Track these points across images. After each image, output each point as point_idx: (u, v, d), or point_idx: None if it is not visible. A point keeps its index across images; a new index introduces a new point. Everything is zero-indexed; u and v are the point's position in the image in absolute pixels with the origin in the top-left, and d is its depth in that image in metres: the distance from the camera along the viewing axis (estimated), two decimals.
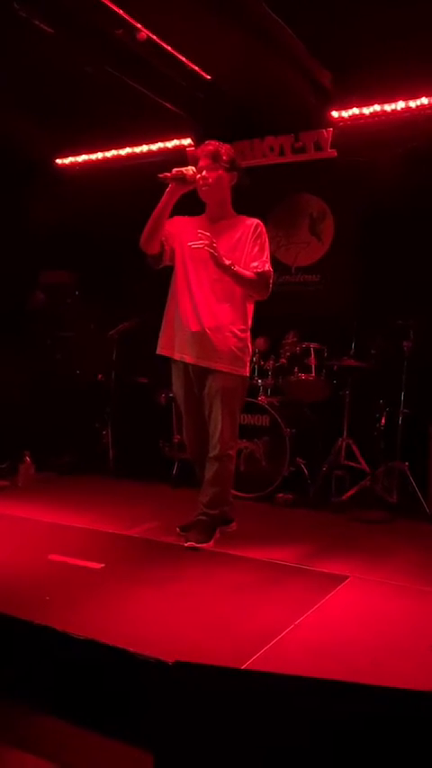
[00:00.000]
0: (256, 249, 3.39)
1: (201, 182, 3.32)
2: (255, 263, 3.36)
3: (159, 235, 3.40)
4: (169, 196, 3.32)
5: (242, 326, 3.44)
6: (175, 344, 3.46)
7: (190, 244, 3.32)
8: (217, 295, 3.39)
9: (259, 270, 3.34)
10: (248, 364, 3.51)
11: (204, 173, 3.34)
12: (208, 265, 3.35)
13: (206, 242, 3.24)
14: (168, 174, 3.27)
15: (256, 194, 5.06)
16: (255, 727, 1.62)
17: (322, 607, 2.62)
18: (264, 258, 3.37)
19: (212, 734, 1.61)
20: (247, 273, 3.34)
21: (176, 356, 3.47)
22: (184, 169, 3.30)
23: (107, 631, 2.26)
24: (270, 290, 3.42)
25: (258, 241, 3.40)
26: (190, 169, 3.31)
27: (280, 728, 1.61)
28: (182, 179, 3.27)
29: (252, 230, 3.41)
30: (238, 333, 3.42)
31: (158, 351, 3.54)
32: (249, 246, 3.39)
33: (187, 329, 3.41)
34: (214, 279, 3.37)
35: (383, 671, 2.11)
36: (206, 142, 3.48)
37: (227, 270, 3.27)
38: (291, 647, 2.25)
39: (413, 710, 1.58)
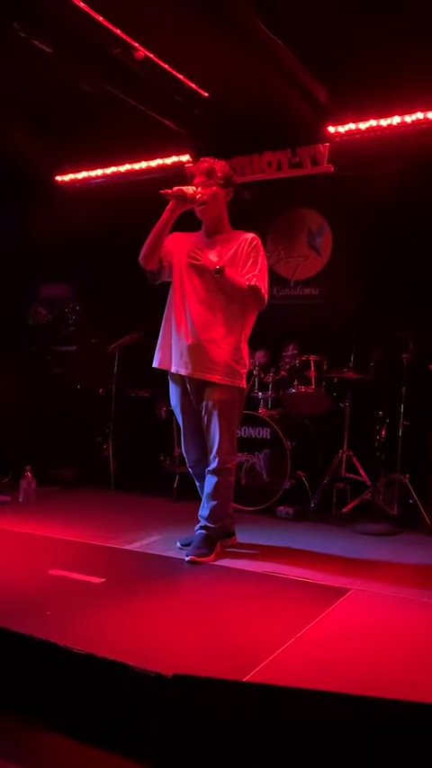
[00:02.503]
0: (250, 262, 3.40)
1: (197, 198, 3.35)
2: (247, 276, 3.37)
3: (159, 251, 3.43)
4: (170, 213, 3.35)
5: (238, 338, 3.45)
6: (171, 358, 3.48)
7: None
8: (213, 307, 3.40)
9: (251, 283, 3.36)
10: (245, 376, 3.52)
11: (200, 189, 3.37)
12: (204, 278, 3.37)
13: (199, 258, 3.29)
14: (169, 191, 3.31)
15: (254, 209, 5.14)
16: (256, 741, 1.61)
17: (324, 620, 2.61)
18: (256, 272, 3.38)
19: (213, 747, 1.60)
20: (240, 280, 3.35)
21: (173, 369, 3.48)
22: (185, 188, 3.33)
23: (107, 645, 2.25)
24: (265, 302, 3.43)
25: (253, 254, 3.42)
26: (191, 188, 3.34)
27: (282, 742, 1.60)
28: (182, 198, 3.31)
29: (247, 244, 3.43)
30: (234, 345, 3.43)
31: (155, 364, 3.55)
32: (244, 259, 3.41)
33: (183, 342, 3.42)
34: (210, 291, 3.39)
35: (386, 684, 2.10)
36: (201, 159, 3.52)
37: (216, 272, 3.29)
38: (292, 661, 2.24)
39: (416, 722, 1.57)
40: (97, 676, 1.87)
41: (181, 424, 3.63)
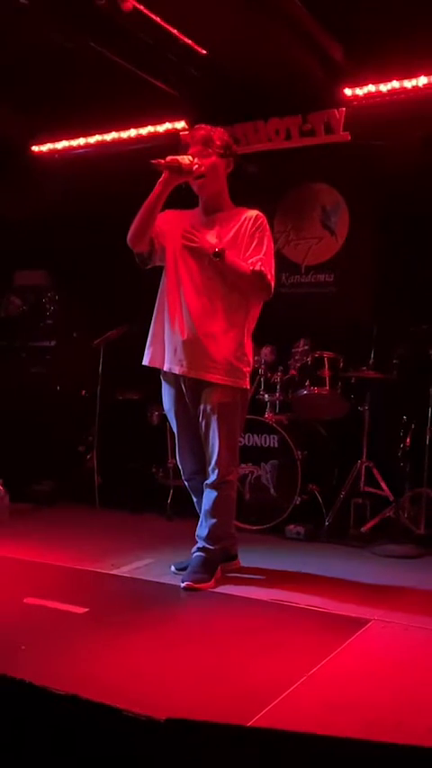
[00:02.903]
0: (255, 243, 3.41)
1: (194, 170, 3.35)
2: (251, 260, 3.38)
3: (150, 231, 3.43)
4: (162, 187, 3.36)
5: (241, 332, 3.46)
6: (164, 354, 3.48)
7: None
8: (211, 296, 3.41)
9: (256, 268, 3.36)
10: (249, 376, 3.52)
11: (196, 160, 3.37)
12: (201, 263, 3.38)
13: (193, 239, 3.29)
14: (162, 162, 3.32)
15: (260, 184, 5.15)
16: None
17: (339, 656, 2.61)
18: (261, 255, 3.39)
19: None
20: (243, 265, 3.36)
21: (166, 367, 3.49)
22: (179, 157, 3.34)
23: (91, 685, 2.26)
24: (271, 290, 3.44)
25: (257, 234, 3.42)
26: (186, 158, 3.35)
27: None
28: (177, 169, 3.32)
29: (251, 223, 3.44)
30: (236, 340, 3.44)
31: (145, 361, 3.56)
32: (247, 240, 3.42)
33: (178, 336, 3.43)
34: (208, 277, 3.40)
35: (408, 729, 2.10)
36: (196, 126, 3.54)
37: (215, 256, 3.29)
38: (303, 703, 2.25)
39: None
40: (80, 721, 1.87)
41: (175, 430, 3.63)
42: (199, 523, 3.54)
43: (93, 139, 5.78)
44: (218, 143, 3.44)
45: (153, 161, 3.31)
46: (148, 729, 1.72)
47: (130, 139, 5.66)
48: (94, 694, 1.98)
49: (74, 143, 5.86)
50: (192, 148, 3.44)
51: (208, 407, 3.42)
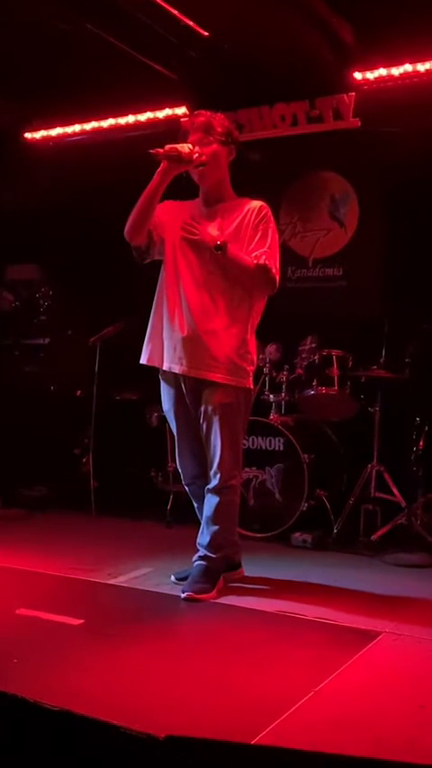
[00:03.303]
0: (258, 235, 3.41)
1: (194, 159, 3.35)
2: (255, 253, 3.38)
3: (148, 223, 3.44)
4: (161, 177, 3.36)
5: (244, 329, 3.46)
6: (163, 353, 3.48)
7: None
8: (213, 291, 3.41)
9: (259, 262, 3.36)
10: (252, 374, 3.52)
11: (197, 149, 3.38)
12: (202, 256, 3.38)
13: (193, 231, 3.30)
14: (161, 151, 3.32)
15: (265, 172, 5.15)
16: None
17: (348, 670, 2.61)
18: (265, 248, 3.39)
19: None
20: (246, 259, 3.36)
21: (165, 366, 3.49)
22: (179, 146, 3.35)
23: (87, 700, 2.26)
24: (276, 285, 3.43)
25: (261, 226, 3.42)
26: (186, 146, 3.36)
27: None
28: (176, 158, 3.33)
29: (254, 214, 3.44)
30: (239, 337, 3.44)
31: (143, 360, 3.56)
32: (251, 233, 3.42)
33: (177, 333, 3.43)
34: (209, 271, 3.40)
35: (421, 748, 2.10)
36: (196, 112, 3.55)
37: (217, 249, 3.29)
38: (310, 719, 2.24)
39: None
40: (74, 738, 1.88)
41: (175, 432, 3.63)
42: (200, 531, 3.54)
43: (89, 126, 5.79)
44: (219, 130, 3.44)
45: (151, 150, 3.32)
46: (147, 747, 1.72)
47: (128, 126, 5.67)
48: (89, 710, 1.98)
49: (69, 130, 5.87)
50: (191, 136, 3.44)
51: (209, 408, 3.42)
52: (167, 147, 3.34)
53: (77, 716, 1.89)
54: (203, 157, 3.39)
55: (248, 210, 3.45)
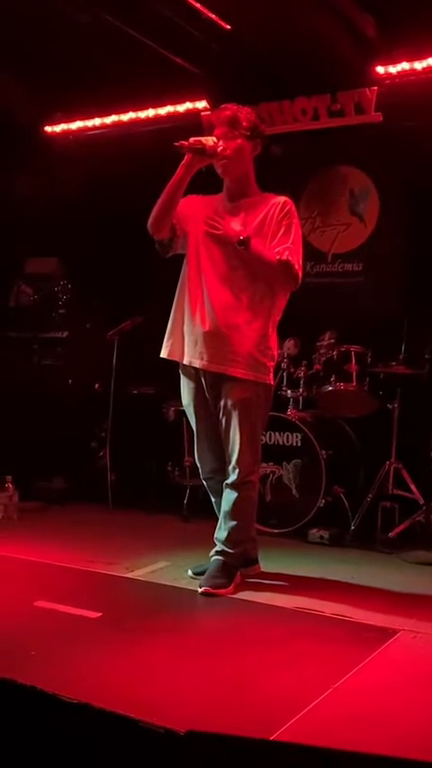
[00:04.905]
0: (282, 231, 3.40)
1: (219, 153, 3.34)
2: (278, 249, 3.37)
3: (171, 217, 3.43)
4: (185, 170, 3.36)
5: (265, 324, 3.45)
6: (183, 347, 3.48)
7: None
8: (235, 286, 3.41)
9: (282, 258, 3.35)
10: (273, 370, 3.51)
11: (222, 142, 3.37)
12: (225, 251, 3.37)
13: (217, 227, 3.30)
14: (185, 143, 3.32)
15: (286, 167, 5.13)
16: None
17: (366, 667, 2.61)
18: (289, 244, 3.38)
19: None
20: (269, 254, 3.35)
21: (185, 361, 3.49)
22: (203, 139, 3.35)
23: (105, 694, 2.26)
24: (298, 281, 3.42)
25: (285, 222, 3.41)
26: (210, 139, 3.36)
27: None
28: (201, 151, 3.32)
29: (279, 209, 3.43)
30: (260, 332, 3.43)
31: (164, 354, 3.56)
32: (274, 228, 3.41)
33: (199, 328, 3.43)
34: (232, 266, 3.39)
35: None
36: (222, 106, 3.53)
37: (240, 244, 3.28)
38: (328, 717, 2.24)
39: None
40: (92, 731, 1.88)
41: (194, 427, 3.63)
42: (218, 525, 3.54)
43: (109, 120, 5.79)
44: (245, 124, 3.42)
45: (176, 143, 3.32)
46: (167, 742, 1.72)
47: (148, 119, 5.66)
48: (107, 703, 1.98)
49: (89, 123, 5.87)
50: (217, 129, 3.43)
51: (229, 403, 3.41)
52: (192, 139, 3.34)
53: (96, 709, 1.90)
54: (227, 151, 3.38)
55: (272, 205, 3.44)
